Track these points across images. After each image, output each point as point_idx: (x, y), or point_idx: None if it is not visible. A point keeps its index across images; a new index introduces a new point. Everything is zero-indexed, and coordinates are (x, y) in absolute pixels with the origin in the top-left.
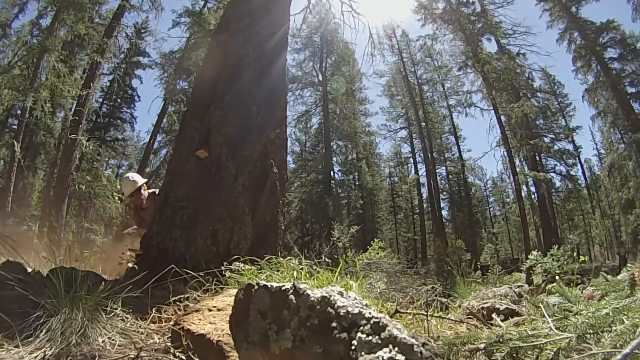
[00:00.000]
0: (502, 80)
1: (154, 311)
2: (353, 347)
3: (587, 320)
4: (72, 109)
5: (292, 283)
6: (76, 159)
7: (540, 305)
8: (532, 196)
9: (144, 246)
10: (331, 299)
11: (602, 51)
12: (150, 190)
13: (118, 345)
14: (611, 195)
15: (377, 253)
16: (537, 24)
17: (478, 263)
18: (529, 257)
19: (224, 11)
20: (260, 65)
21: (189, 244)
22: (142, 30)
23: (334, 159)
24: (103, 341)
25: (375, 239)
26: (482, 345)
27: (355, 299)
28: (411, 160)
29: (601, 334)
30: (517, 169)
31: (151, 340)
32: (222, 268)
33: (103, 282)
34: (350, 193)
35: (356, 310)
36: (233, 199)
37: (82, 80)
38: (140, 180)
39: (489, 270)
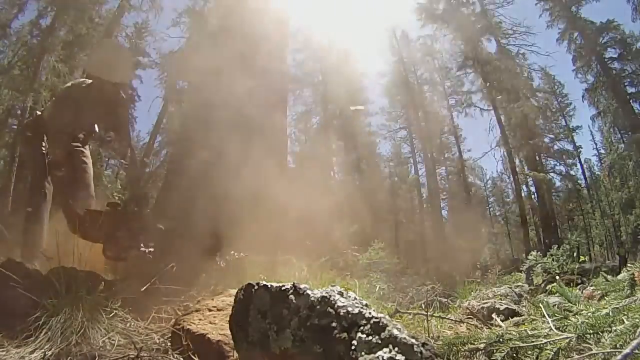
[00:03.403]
0: (502, 80)
1: (154, 311)
2: (353, 347)
3: (587, 320)
4: None
5: (292, 283)
6: None
7: (540, 305)
8: (532, 196)
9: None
10: (331, 299)
11: (602, 51)
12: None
13: (118, 345)
14: (611, 195)
15: (377, 253)
16: (537, 23)
17: (478, 263)
18: (529, 257)
19: (224, 11)
20: (260, 65)
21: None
22: (142, 30)
23: (334, 159)
24: (103, 341)
25: (375, 239)
26: (482, 345)
27: (355, 299)
28: (411, 160)
29: (601, 334)
30: (517, 169)
31: (151, 340)
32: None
33: (103, 282)
34: None
35: (356, 310)
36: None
37: None
38: None
39: (489, 270)
